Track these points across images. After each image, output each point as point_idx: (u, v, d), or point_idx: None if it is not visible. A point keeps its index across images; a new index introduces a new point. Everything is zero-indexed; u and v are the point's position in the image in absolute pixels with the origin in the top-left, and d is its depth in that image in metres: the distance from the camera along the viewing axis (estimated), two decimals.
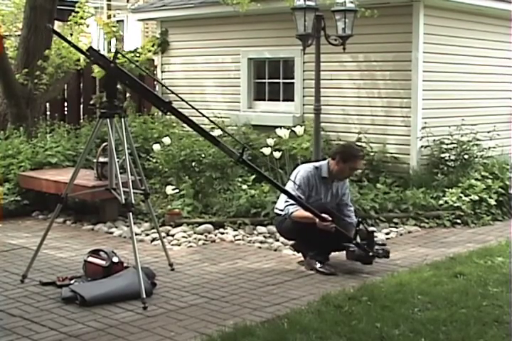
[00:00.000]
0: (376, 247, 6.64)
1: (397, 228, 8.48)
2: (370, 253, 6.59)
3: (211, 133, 6.34)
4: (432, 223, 8.68)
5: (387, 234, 8.24)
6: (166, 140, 9.44)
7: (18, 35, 11.82)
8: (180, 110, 6.12)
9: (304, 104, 10.61)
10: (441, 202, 8.92)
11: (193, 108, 6.20)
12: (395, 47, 9.80)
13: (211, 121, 6.60)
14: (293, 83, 10.85)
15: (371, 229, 6.92)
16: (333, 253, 6.87)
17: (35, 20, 10.81)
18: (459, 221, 8.72)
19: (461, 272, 6.34)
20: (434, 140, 9.78)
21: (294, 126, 9.58)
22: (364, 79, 10.14)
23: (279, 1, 9.51)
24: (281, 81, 11.10)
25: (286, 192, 6.52)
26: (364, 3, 8.94)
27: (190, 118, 6.16)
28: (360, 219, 6.82)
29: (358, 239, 6.64)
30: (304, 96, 10.62)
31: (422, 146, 9.72)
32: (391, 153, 9.85)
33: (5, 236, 8.08)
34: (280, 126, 9.62)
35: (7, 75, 10.64)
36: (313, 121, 8.53)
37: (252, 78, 11.39)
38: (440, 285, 5.98)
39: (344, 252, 6.79)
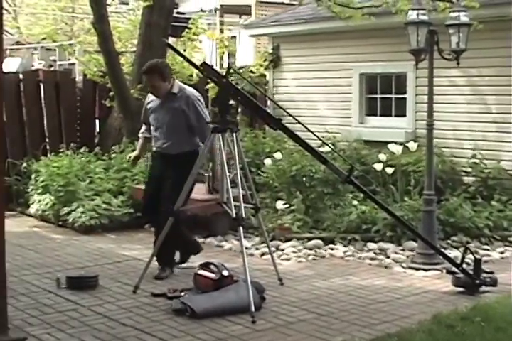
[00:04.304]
0: (484, 275, 6.45)
1: None
2: (477, 281, 6.41)
3: (320, 149, 6.33)
4: None
5: (501, 253, 8.02)
6: (278, 155, 9.50)
7: (134, 52, 12.11)
8: (291, 125, 6.13)
9: (416, 120, 10.47)
10: None
11: (301, 124, 6.21)
12: (510, 62, 9.56)
13: (319, 139, 6.58)
14: (405, 98, 10.73)
15: (477, 256, 6.74)
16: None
17: (150, 36, 11.06)
18: None
19: None
20: None
21: (406, 142, 9.46)
22: (475, 94, 9.94)
23: (391, 16, 9.41)
24: (393, 96, 11.01)
25: (395, 216, 6.46)
26: (478, 17, 8.76)
27: (301, 134, 6.16)
28: (466, 247, 6.70)
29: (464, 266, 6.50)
30: (416, 112, 10.49)
31: None
32: (506, 170, 9.60)
33: (119, 247, 8.28)
34: (392, 142, 9.51)
35: (123, 90, 10.90)
36: (426, 137, 8.42)
37: (364, 93, 11.33)
38: None
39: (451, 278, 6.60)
